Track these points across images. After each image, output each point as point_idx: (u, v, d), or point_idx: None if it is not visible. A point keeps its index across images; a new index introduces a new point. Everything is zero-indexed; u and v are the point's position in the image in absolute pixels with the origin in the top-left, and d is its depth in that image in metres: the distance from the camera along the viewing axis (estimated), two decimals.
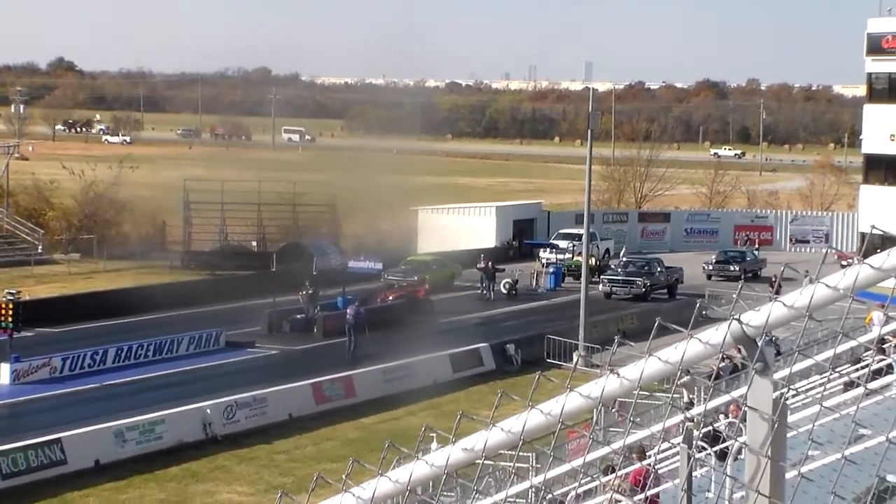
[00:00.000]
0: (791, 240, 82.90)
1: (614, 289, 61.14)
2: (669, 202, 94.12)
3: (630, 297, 60.23)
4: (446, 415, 37.25)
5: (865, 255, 3.86)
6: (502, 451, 4.46)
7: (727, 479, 7.90)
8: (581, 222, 56.99)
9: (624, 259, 66.10)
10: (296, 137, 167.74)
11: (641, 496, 11.22)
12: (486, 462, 4.41)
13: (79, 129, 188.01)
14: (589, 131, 50.00)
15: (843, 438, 4.74)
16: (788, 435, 4.07)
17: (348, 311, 48.07)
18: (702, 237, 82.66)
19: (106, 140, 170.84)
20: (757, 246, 76.69)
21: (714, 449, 12.67)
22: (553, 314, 55.80)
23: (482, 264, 61.90)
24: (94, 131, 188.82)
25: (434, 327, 50.86)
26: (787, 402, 4.06)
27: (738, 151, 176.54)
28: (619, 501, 10.65)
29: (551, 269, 66.06)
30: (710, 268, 68.69)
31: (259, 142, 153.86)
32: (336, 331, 49.49)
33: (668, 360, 4.04)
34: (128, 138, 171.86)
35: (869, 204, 68.40)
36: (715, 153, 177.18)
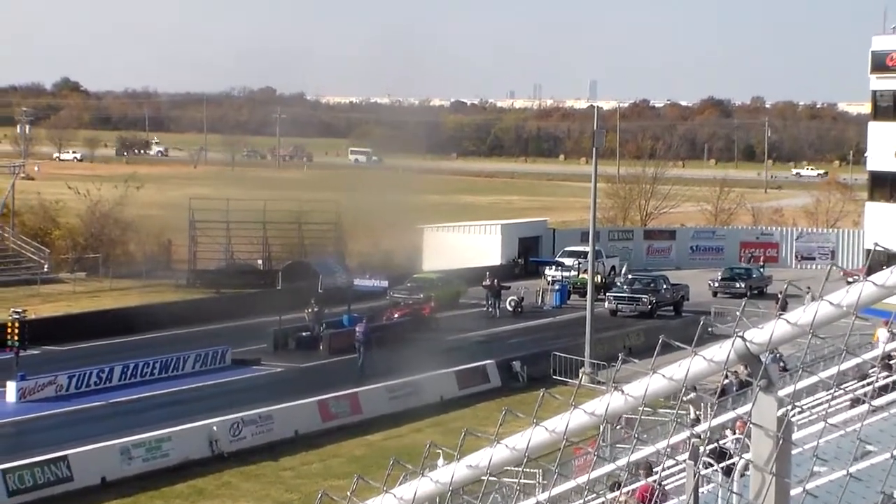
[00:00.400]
0: (797, 257, 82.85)
1: (620, 306, 61.15)
2: (675, 220, 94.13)
3: (636, 314, 60.24)
4: (452, 432, 37.22)
5: (870, 273, 3.88)
6: (508, 468, 4.47)
7: (733, 495, 7.91)
8: (586, 240, 57.06)
9: (629, 276, 66.04)
10: (363, 158, 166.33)
11: None
12: (491, 479, 4.42)
13: (138, 151, 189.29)
14: (594, 149, 50.08)
15: (849, 455, 4.75)
16: (794, 451, 4.08)
17: (357, 328, 48.19)
18: (707, 254, 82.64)
19: (57, 157, 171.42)
20: (762, 263, 76.65)
21: (720, 465, 12.68)
22: (559, 331, 55.78)
23: (488, 282, 61.95)
24: (151, 152, 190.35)
25: (440, 345, 50.84)
26: (792, 419, 4.06)
27: (822, 171, 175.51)
28: None
29: (557, 287, 66.10)
30: (716, 285, 68.64)
31: (321, 163, 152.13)
32: (342, 348, 49.57)
33: (672, 377, 4.05)
34: (78, 154, 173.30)
35: (874, 221, 68.40)
36: (797, 173, 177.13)
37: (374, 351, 46.88)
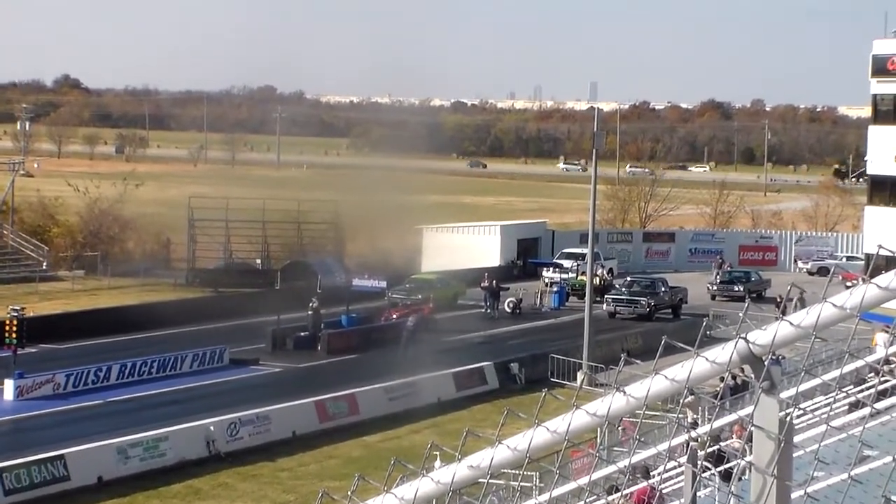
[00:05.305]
0: (795, 260, 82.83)
1: (618, 308, 61.09)
2: (674, 222, 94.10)
3: (634, 316, 60.18)
4: (450, 433, 37.19)
5: (871, 276, 3.86)
6: (505, 471, 4.45)
7: (731, 498, 7.89)
8: (585, 241, 57.01)
9: (628, 278, 65.97)
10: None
11: None
12: (491, 480, 4.40)
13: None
14: (594, 151, 50.07)
15: (849, 459, 4.74)
16: (794, 455, 4.06)
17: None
18: (706, 257, 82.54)
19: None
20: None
21: (718, 469, 12.66)
22: (557, 333, 55.72)
23: (486, 283, 61.92)
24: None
25: (438, 346, 50.80)
26: (794, 422, 4.05)
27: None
28: None
29: (555, 289, 66.05)
30: (715, 288, 68.67)
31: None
32: (340, 349, 49.63)
33: (674, 378, 4.03)
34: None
35: (874, 225, 68.36)
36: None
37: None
